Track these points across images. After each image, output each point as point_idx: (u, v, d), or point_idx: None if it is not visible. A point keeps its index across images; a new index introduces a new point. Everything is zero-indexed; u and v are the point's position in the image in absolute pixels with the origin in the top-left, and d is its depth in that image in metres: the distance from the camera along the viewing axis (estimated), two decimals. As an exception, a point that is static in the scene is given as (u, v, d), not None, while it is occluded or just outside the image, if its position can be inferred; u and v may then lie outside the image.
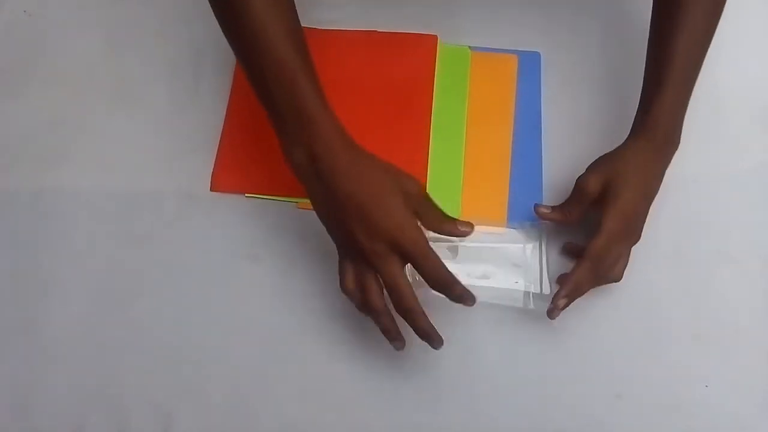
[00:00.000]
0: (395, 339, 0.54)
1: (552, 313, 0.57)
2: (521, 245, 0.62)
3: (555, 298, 0.56)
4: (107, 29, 0.73)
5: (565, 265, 0.62)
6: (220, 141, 0.67)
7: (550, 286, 0.60)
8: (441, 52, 0.72)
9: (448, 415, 0.59)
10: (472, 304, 0.53)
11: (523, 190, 0.66)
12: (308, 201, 0.64)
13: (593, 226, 0.59)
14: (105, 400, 0.59)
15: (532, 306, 0.60)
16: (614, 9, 0.75)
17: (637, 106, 0.62)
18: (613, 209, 0.57)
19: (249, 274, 0.63)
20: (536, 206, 0.61)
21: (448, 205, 0.65)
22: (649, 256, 0.63)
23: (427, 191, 0.54)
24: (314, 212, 0.64)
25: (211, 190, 0.66)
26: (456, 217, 0.63)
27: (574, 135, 0.69)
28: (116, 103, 0.69)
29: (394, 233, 0.51)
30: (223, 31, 0.55)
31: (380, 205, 0.51)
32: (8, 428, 0.58)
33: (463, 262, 0.61)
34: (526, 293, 0.60)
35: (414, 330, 0.53)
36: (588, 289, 0.57)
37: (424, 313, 0.52)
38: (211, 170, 0.66)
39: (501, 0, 0.73)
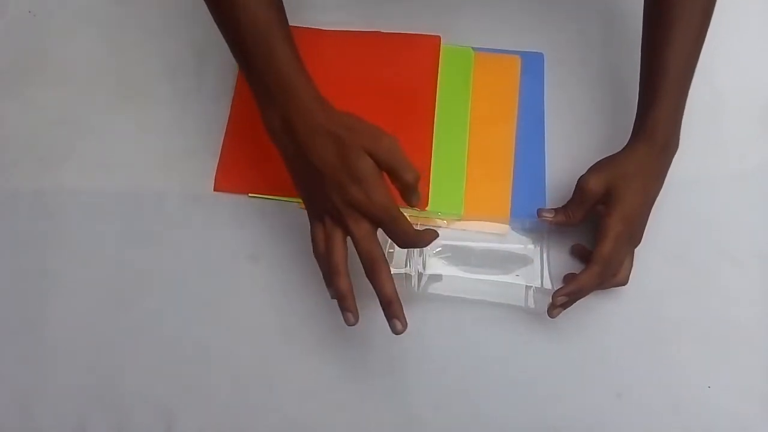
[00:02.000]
0: (348, 309, 0.53)
1: (552, 311, 0.57)
2: (522, 244, 0.62)
3: (555, 294, 0.56)
4: (110, 29, 0.73)
5: (567, 262, 0.63)
6: (224, 141, 0.68)
7: (551, 282, 0.60)
8: (444, 52, 0.72)
9: (449, 414, 0.59)
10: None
11: (527, 190, 0.66)
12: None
13: (594, 227, 0.60)
14: (106, 399, 0.59)
15: (532, 304, 0.61)
16: (617, 10, 0.75)
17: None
18: (617, 213, 0.57)
19: (251, 274, 0.63)
20: (539, 212, 0.62)
21: (452, 204, 0.65)
22: (651, 256, 0.63)
23: (400, 147, 0.52)
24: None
25: (215, 190, 0.66)
26: (459, 215, 0.64)
27: (577, 135, 0.69)
28: (119, 103, 0.69)
29: (364, 200, 0.51)
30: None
31: (351, 168, 0.51)
32: (10, 427, 0.58)
33: (467, 261, 0.62)
34: (527, 288, 0.61)
35: (379, 297, 0.52)
36: (590, 292, 0.58)
37: (392, 280, 0.52)
38: (214, 170, 0.66)
39: (504, 1, 0.73)
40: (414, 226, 0.53)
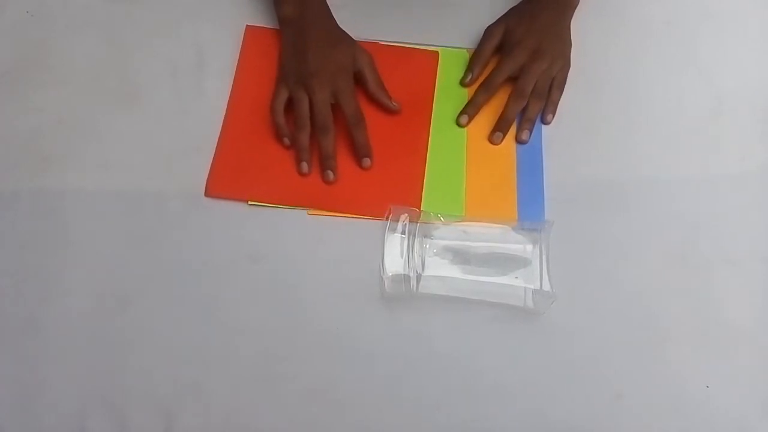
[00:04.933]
0: (304, 159, 0.65)
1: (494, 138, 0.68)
2: (522, 245, 0.62)
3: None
4: (109, 29, 0.73)
5: (566, 264, 0.62)
6: (216, 146, 0.67)
7: (551, 284, 0.60)
8: (440, 54, 0.72)
9: (448, 415, 0.59)
10: (369, 163, 0.66)
11: (526, 189, 0.66)
12: (317, 210, 0.65)
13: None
14: (106, 400, 0.58)
15: (531, 304, 0.61)
16: (613, 9, 0.75)
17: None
18: (507, 44, 0.69)
19: (250, 275, 0.63)
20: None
21: (453, 205, 0.65)
22: (651, 257, 0.64)
23: (375, 68, 0.68)
24: (320, 215, 0.64)
25: (206, 195, 0.65)
26: (461, 216, 0.65)
27: (573, 133, 0.69)
28: (119, 103, 0.69)
29: (334, 72, 0.65)
30: None
31: (333, 52, 0.66)
32: (10, 426, 0.58)
33: (466, 262, 0.62)
34: (527, 290, 0.61)
35: (322, 152, 0.65)
36: (514, 111, 0.68)
37: (334, 132, 0.65)
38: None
39: (499, 3, 0.74)
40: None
